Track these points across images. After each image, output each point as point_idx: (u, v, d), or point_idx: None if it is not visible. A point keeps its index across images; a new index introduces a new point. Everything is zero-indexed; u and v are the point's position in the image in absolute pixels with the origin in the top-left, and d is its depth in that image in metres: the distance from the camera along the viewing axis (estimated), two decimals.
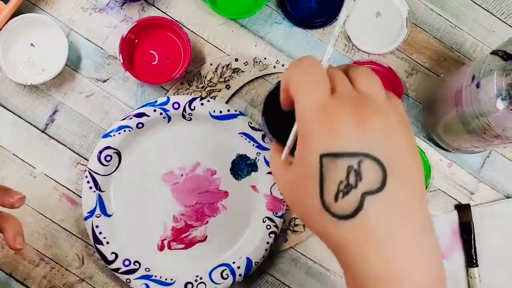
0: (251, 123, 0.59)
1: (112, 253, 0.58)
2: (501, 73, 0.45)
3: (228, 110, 0.58)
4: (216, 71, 0.62)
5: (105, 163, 0.58)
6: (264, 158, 0.59)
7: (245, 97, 0.62)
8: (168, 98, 0.58)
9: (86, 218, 0.58)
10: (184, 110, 0.58)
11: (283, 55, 0.62)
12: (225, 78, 0.61)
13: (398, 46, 0.62)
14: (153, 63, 0.61)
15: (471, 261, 0.61)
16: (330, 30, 0.63)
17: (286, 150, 0.38)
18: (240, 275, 0.58)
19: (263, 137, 0.59)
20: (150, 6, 0.62)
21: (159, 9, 0.62)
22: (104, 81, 0.61)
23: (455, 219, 0.62)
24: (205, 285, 0.58)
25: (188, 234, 0.60)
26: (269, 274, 0.61)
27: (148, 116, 0.58)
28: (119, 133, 0.58)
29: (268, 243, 0.59)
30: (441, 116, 0.58)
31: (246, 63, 0.62)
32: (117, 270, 0.58)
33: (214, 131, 0.60)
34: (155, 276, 0.58)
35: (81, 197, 0.59)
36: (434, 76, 0.63)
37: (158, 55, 0.61)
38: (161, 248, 0.60)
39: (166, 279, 0.58)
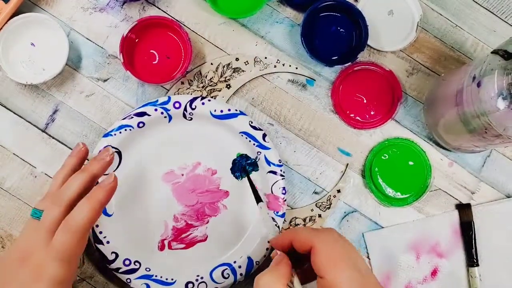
0: (251, 123, 0.59)
1: (112, 252, 0.58)
2: (502, 72, 0.45)
3: (229, 110, 0.58)
4: (216, 71, 0.61)
5: None
6: (265, 157, 0.59)
7: (246, 96, 0.62)
8: (169, 98, 0.58)
9: None
10: (185, 109, 0.58)
11: (283, 54, 0.62)
12: (226, 77, 0.61)
13: (403, 48, 0.62)
14: (154, 62, 0.61)
15: (471, 260, 0.61)
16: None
17: None
18: (241, 274, 0.58)
19: (264, 136, 0.59)
20: (151, 5, 0.62)
21: (159, 8, 0.62)
22: (105, 80, 0.61)
23: (456, 218, 0.62)
24: (206, 284, 0.58)
25: (189, 233, 0.60)
26: None
27: (149, 115, 0.58)
28: (120, 132, 0.58)
29: (269, 242, 0.59)
30: (441, 116, 0.58)
31: (246, 63, 0.62)
32: (117, 270, 0.58)
33: (214, 130, 0.60)
34: (156, 276, 0.58)
35: None
36: (435, 75, 0.63)
37: (158, 55, 0.61)
38: (162, 248, 0.60)
39: (166, 279, 0.58)
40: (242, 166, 0.60)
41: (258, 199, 0.57)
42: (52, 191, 0.50)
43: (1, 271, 0.47)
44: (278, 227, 0.59)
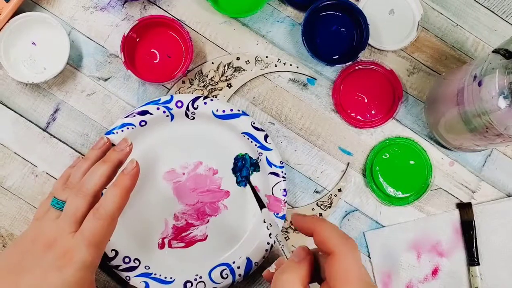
0: (253, 123, 0.59)
1: (112, 250, 0.58)
2: (503, 71, 0.45)
3: (231, 110, 0.58)
4: (217, 70, 0.62)
5: None
6: (266, 158, 0.59)
7: (247, 95, 0.62)
8: (172, 97, 0.58)
9: None
10: (187, 108, 0.58)
11: (284, 53, 0.62)
12: (227, 76, 0.62)
13: (404, 47, 0.62)
14: (155, 61, 0.61)
15: (472, 259, 0.61)
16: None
17: None
18: (239, 275, 0.58)
19: (266, 137, 0.59)
20: (152, 4, 0.62)
21: (160, 7, 0.62)
22: (106, 79, 0.61)
23: (457, 217, 0.62)
24: (205, 284, 0.58)
25: (189, 233, 0.60)
26: None
27: (151, 114, 0.58)
28: (122, 131, 0.58)
29: (268, 243, 0.59)
30: (442, 115, 0.58)
31: (247, 62, 0.62)
32: (117, 267, 0.58)
33: (216, 130, 0.60)
34: (155, 274, 0.58)
35: None
36: (436, 74, 0.63)
37: (159, 54, 0.61)
38: (162, 246, 0.60)
39: (165, 277, 0.58)
40: (243, 173, 0.60)
41: (262, 206, 0.55)
42: (73, 182, 0.51)
43: (21, 255, 0.47)
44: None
